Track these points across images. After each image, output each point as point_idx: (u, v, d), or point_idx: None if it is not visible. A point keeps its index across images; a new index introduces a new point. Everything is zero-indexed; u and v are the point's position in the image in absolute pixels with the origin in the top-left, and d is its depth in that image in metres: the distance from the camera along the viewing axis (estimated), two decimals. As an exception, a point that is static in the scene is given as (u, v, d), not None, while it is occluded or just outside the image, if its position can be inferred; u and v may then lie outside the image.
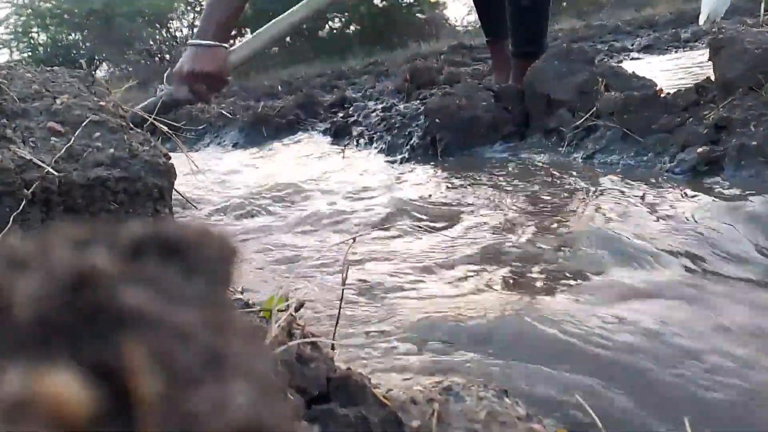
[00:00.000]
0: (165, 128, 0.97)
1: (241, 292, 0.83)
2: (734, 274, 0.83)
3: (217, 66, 1.73)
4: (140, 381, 0.14)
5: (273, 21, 1.87)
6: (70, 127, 0.79)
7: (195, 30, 1.82)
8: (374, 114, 2.67)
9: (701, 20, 4.18)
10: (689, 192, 1.22)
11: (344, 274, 0.58)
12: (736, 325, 0.69)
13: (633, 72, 2.05)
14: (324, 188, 1.75)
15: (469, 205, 1.35)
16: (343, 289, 0.59)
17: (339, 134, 2.69)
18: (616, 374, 0.61)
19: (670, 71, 3.37)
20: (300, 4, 1.87)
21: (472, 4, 2.66)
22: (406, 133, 2.36)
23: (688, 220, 1.05)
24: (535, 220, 1.17)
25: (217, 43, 1.74)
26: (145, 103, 1.76)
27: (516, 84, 2.21)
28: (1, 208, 0.70)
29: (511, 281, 0.89)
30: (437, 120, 2.10)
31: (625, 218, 1.10)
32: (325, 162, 2.22)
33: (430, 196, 1.49)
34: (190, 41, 1.79)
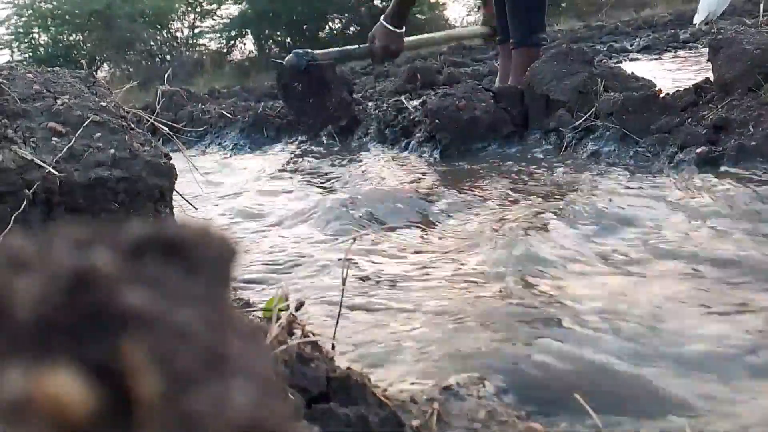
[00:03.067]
0: (165, 129, 0.97)
1: (242, 292, 0.83)
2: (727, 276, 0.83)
3: (398, 46, 2.59)
4: (140, 381, 0.14)
5: (430, 35, 3.06)
6: (71, 127, 0.79)
7: (387, 12, 2.56)
8: (375, 113, 2.67)
9: (696, 19, 4.18)
10: (689, 192, 1.22)
11: (344, 274, 0.58)
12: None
13: (632, 73, 2.05)
14: (323, 187, 1.75)
15: (469, 204, 1.36)
16: (343, 289, 0.59)
17: (342, 133, 2.69)
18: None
19: (669, 72, 3.37)
20: (451, 32, 2.85)
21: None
22: (408, 132, 2.36)
23: (687, 219, 1.05)
24: (534, 220, 1.17)
25: (399, 30, 2.52)
26: (343, 49, 2.71)
27: (515, 79, 2.26)
28: (2, 208, 0.70)
29: (512, 280, 0.89)
30: (437, 121, 2.10)
31: (624, 217, 1.10)
32: (324, 161, 2.22)
33: (429, 196, 1.49)
34: (383, 19, 2.53)
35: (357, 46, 2.67)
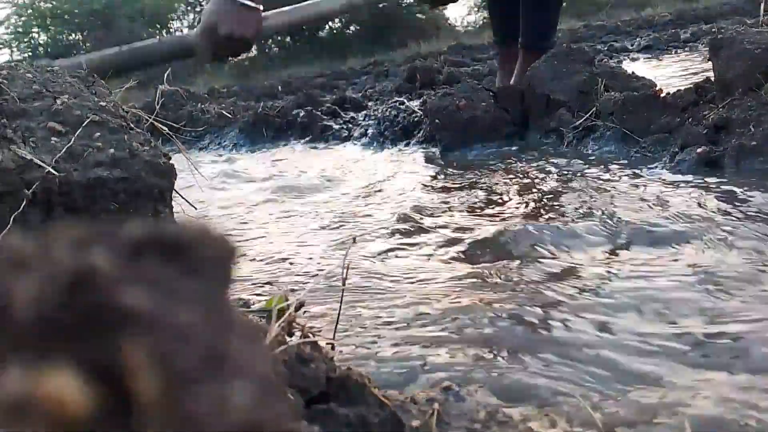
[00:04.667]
0: (165, 129, 0.97)
1: (241, 292, 0.83)
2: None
3: (255, 31, 1.56)
4: (140, 381, 0.14)
5: (312, 2, 1.80)
6: (70, 127, 0.79)
7: None
8: (376, 113, 2.67)
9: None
10: (688, 191, 1.22)
11: (344, 274, 0.58)
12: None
13: (632, 72, 2.05)
14: (324, 185, 1.75)
15: (468, 203, 1.36)
16: (343, 289, 0.59)
17: (340, 132, 2.69)
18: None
19: (670, 71, 3.37)
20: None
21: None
22: (408, 132, 2.37)
23: (687, 219, 1.05)
24: (533, 220, 1.17)
25: (256, 5, 1.57)
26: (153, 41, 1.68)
27: (519, 79, 2.23)
28: (2, 208, 0.70)
29: (511, 280, 0.89)
30: (437, 121, 2.10)
31: (624, 217, 1.10)
32: (325, 159, 2.22)
33: (430, 194, 1.49)
34: None
35: (157, 39, 1.72)
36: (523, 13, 2.32)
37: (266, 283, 1.01)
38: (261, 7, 1.59)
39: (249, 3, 1.54)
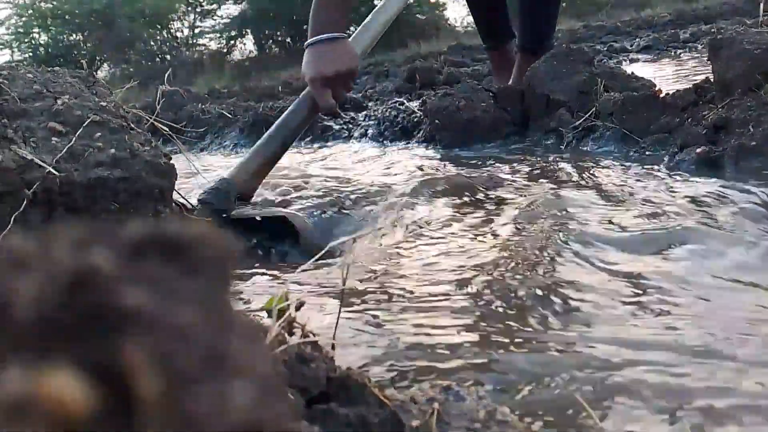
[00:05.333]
0: (165, 129, 0.97)
1: (241, 292, 0.83)
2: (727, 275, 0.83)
3: (354, 61, 1.50)
4: (140, 381, 0.14)
5: (379, 6, 1.65)
6: (71, 127, 0.79)
7: (308, 30, 1.52)
8: (376, 113, 2.67)
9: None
10: (688, 191, 1.22)
11: (344, 274, 0.58)
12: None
13: (632, 72, 2.05)
14: (323, 185, 1.75)
15: (468, 202, 1.36)
16: (343, 289, 0.59)
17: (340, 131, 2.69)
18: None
19: (669, 71, 3.37)
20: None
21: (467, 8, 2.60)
22: (408, 132, 2.37)
23: (687, 219, 1.05)
24: (534, 221, 1.17)
25: (340, 34, 1.50)
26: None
27: (518, 81, 2.23)
28: (3, 208, 0.70)
29: (512, 280, 0.89)
30: (437, 121, 2.11)
31: (621, 215, 1.10)
32: (325, 159, 2.22)
33: (430, 193, 1.49)
34: (309, 42, 1.50)
35: (287, 112, 1.52)
36: (522, 15, 2.30)
37: (266, 283, 1.01)
38: (345, 34, 1.54)
39: (332, 35, 1.49)
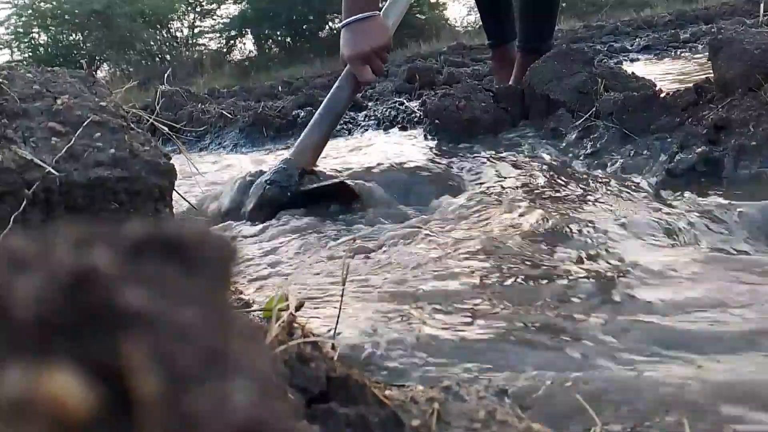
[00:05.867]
0: (165, 129, 0.97)
1: (241, 292, 0.83)
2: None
3: (387, 35, 1.64)
4: (140, 381, 0.14)
5: None
6: (70, 127, 0.79)
7: (342, 10, 1.63)
8: (376, 113, 2.67)
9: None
10: (688, 191, 1.22)
11: (344, 273, 0.58)
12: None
13: (632, 72, 2.05)
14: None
15: (467, 202, 1.36)
16: (343, 289, 0.59)
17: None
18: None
19: (669, 72, 3.37)
20: None
21: (475, 5, 2.64)
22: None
23: (687, 219, 1.05)
24: (534, 221, 1.17)
25: (373, 12, 1.62)
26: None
27: (519, 80, 2.24)
28: (2, 208, 0.70)
29: (513, 277, 0.89)
30: (437, 121, 2.11)
31: (623, 217, 1.10)
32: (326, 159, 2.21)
33: (431, 193, 1.49)
34: (344, 23, 1.62)
35: (333, 88, 1.66)
36: (521, 15, 2.34)
37: (266, 283, 1.01)
38: (377, 11, 1.64)
39: (365, 14, 1.60)
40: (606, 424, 0.51)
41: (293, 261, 1.12)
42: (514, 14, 2.43)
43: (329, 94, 1.67)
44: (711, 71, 1.55)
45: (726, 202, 1.11)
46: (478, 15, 2.69)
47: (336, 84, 1.67)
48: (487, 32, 2.61)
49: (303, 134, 1.64)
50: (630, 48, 5.35)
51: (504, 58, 2.53)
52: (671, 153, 1.47)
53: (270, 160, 2.33)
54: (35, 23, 11.57)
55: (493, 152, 1.86)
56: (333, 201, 1.40)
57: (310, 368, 0.41)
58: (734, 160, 1.32)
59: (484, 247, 1.05)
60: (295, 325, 0.45)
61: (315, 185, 1.45)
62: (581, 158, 1.67)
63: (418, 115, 2.39)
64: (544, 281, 0.88)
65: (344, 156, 2.23)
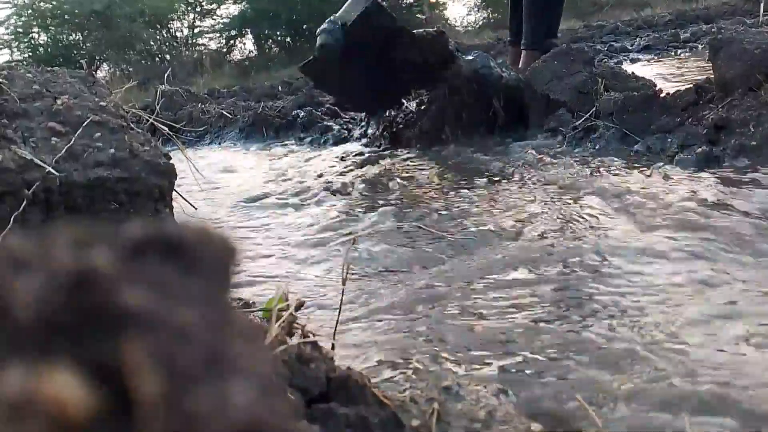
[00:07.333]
0: (165, 129, 0.97)
1: (241, 292, 0.83)
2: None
3: None
4: (140, 381, 0.14)
5: None
6: (70, 127, 0.79)
7: None
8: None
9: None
10: (688, 191, 1.22)
11: (344, 274, 0.58)
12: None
13: (632, 72, 2.05)
14: (323, 186, 1.75)
15: (467, 201, 1.36)
16: (343, 289, 0.59)
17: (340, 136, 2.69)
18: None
19: (669, 72, 3.36)
20: None
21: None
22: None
23: (687, 219, 1.05)
24: (533, 221, 1.17)
25: None
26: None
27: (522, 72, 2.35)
28: (2, 208, 0.70)
29: (508, 278, 0.89)
30: (437, 120, 2.10)
31: (623, 216, 1.10)
32: (327, 158, 2.22)
33: (432, 192, 1.49)
34: None
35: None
36: (524, 15, 2.49)
37: (266, 283, 1.01)
38: None
39: None
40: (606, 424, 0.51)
41: (295, 254, 1.12)
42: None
43: None
44: (711, 71, 1.55)
45: (726, 201, 1.11)
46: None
47: None
48: (510, 31, 2.89)
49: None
50: (630, 48, 5.34)
51: (518, 56, 2.76)
52: (671, 152, 1.47)
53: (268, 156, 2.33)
54: (35, 23, 11.56)
55: (494, 152, 1.86)
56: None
57: (310, 368, 0.41)
58: (734, 160, 1.33)
59: (486, 248, 1.05)
60: (295, 325, 0.45)
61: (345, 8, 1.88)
62: (581, 158, 1.67)
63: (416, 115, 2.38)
64: (544, 281, 0.88)
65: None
